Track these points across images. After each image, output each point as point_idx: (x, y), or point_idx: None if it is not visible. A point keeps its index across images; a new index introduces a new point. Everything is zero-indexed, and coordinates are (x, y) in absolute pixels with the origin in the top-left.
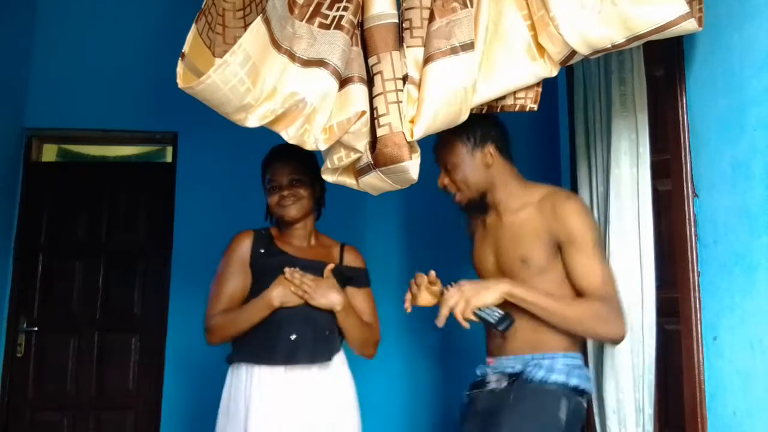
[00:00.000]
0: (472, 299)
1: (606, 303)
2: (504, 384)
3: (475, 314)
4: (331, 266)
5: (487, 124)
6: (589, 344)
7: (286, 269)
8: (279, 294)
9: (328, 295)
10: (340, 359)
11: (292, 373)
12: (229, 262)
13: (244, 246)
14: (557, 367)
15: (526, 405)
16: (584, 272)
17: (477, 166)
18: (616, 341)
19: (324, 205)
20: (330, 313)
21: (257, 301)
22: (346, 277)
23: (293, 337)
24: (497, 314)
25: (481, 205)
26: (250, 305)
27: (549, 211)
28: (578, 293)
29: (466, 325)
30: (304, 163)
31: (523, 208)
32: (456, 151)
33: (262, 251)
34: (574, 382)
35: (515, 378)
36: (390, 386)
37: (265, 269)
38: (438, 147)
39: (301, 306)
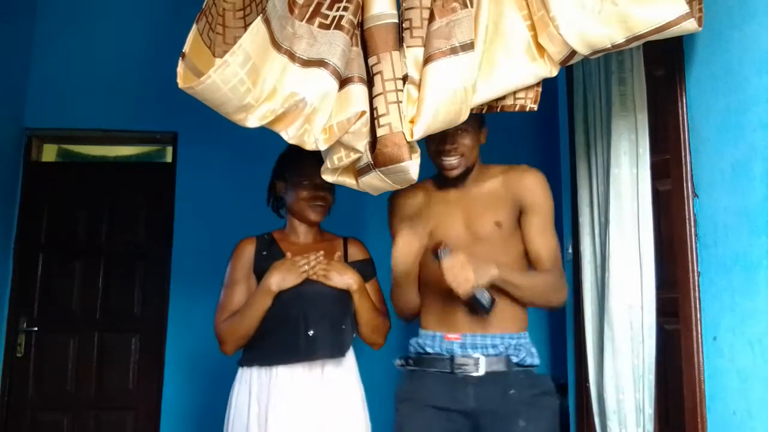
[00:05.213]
0: (473, 278)
1: (558, 274)
2: (482, 369)
3: (471, 294)
4: (338, 254)
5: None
6: (589, 346)
7: (288, 254)
8: (276, 278)
9: (343, 275)
10: (351, 356)
11: (311, 372)
12: (233, 270)
13: (247, 252)
14: (530, 348)
15: (533, 397)
16: (541, 241)
17: (477, 141)
18: (559, 308)
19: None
20: (344, 305)
21: (256, 291)
22: None
23: (311, 332)
24: (487, 296)
25: (464, 178)
26: (250, 298)
27: (515, 179)
28: (529, 257)
29: (465, 296)
30: None
31: (487, 179)
32: (472, 122)
33: (265, 254)
34: (538, 360)
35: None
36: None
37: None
38: None
39: (316, 299)
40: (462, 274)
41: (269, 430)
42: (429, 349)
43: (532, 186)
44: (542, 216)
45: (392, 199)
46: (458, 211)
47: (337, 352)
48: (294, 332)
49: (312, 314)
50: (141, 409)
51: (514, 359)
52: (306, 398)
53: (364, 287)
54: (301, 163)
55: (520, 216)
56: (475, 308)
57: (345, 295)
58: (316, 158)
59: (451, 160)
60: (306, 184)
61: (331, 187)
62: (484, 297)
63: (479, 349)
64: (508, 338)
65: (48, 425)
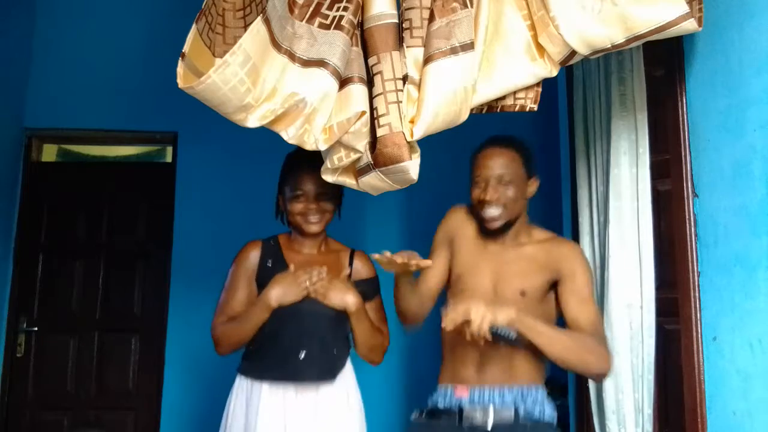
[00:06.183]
0: (489, 317)
1: (599, 339)
2: (490, 421)
3: (491, 330)
4: (345, 273)
5: (534, 155)
6: None
7: (291, 266)
8: (277, 293)
9: (342, 295)
10: (348, 371)
11: (303, 393)
12: (236, 274)
13: (252, 258)
14: (543, 401)
15: None
16: (581, 308)
17: (524, 193)
18: (601, 376)
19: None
20: (338, 327)
21: (256, 302)
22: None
23: (302, 356)
24: (509, 331)
25: (505, 230)
26: (250, 308)
27: (553, 250)
28: (567, 325)
29: (486, 336)
30: None
31: (528, 244)
32: (517, 171)
33: (269, 264)
34: (555, 415)
35: (503, 412)
36: (390, 389)
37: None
38: (501, 159)
39: (311, 319)
40: (478, 313)
41: None
42: (440, 405)
43: (571, 256)
44: (580, 285)
45: (451, 213)
46: (490, 265)
47: (326, 375)
48: (284, 352)
49: (305, 335)
50: (141, 409)
51: (522, 412)
52: (298, 417)
53: (363, 309)
54: (294, 177)
55: (555, 286)
56: (503, 342)
57: (342, 315)
58: (310, 169)
59: (492, 212)
60: (299, 198)
61: (331, 197)
62: (507, 332)
63: (487, 401)
64: (517, 391)
65: (48, 425)
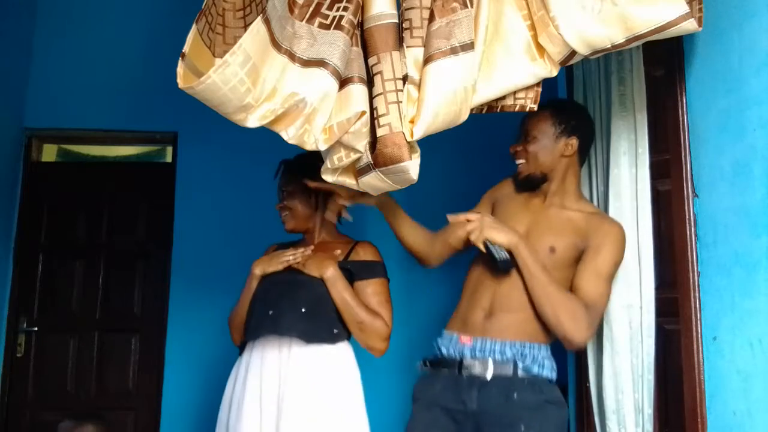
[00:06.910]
0: (487, 229)
1: (588, 311)
2: (489, 372)
3: (484, 244)
4: (337, 252)
5: (583, 118)
6: (589, 345)
7: (291, 249)
8: (261, 264)
9: (320, 265)
10: (336, 348)
11: (280, 350)
12: None
13: (269, 252)
14: (543, 360)
15: (538, 405)
16: (591, 280)
17: (554, 150)
18: (572, 343)
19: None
20: (313, 293)
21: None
22: (350, 273)
23: (271, 312)
24: (503, 254)
25: (535, 185)
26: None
27: (592, 221)
28: (571, 291)
29: (480, 245)
30: (294, 174)
31: (572, 209)
32: (543, 127)
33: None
34: (554, 375)
35: (501, 365)
36: (389, 381)
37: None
38: (530, 118)
39: (290, 284)
40: (479, 224)
41: (244, 402)
42: (444, 351)
43: (606, 231)
44: (601, 261)
45: (501, 181)
46: (527, 218)
47: (297, 334)
48: (259, 311)
49: (280, 296)
50: (141, 409)
51: (520, 365)
52: (270, 372)
53: (340, 280)
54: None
55: (580, 256)
56: (492, 264)
57: (321, 285)
58: (283, 172)
59: (518, 162)
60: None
61: (293, 195)
62: (499, 252)
63: (488, 354)
64: (519, 345)
65: (48, 425)
